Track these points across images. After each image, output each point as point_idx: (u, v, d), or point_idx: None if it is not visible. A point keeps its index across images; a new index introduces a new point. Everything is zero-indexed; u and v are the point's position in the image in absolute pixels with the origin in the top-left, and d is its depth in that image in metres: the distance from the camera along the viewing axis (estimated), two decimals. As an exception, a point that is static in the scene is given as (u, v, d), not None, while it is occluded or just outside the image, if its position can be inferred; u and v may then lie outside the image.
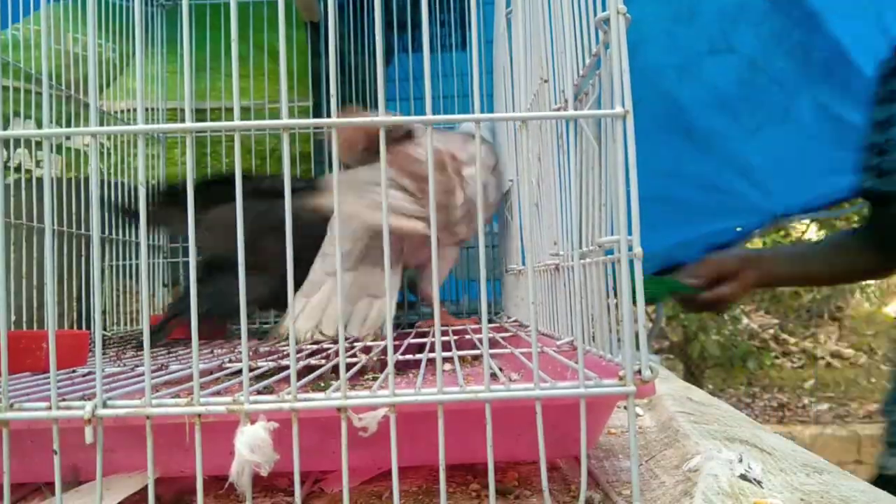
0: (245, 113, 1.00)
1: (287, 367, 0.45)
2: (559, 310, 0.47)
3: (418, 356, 0.48)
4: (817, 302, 4.01)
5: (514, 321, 0.71)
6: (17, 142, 0.80)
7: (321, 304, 0.62)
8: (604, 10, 0.32)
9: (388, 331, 0.33)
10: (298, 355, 0.46)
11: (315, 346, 0.58)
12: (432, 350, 0.49)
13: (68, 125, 0.82)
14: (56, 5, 0.87)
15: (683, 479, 0.36)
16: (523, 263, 0.65)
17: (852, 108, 1.23)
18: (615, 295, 0.33)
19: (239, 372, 0.44)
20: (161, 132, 0.33)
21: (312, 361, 0.49)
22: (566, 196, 0.43)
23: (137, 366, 0.49)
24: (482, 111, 0.32)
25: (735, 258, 1.01)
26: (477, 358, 0.60)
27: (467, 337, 0.60)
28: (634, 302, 0.30)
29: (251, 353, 0.54)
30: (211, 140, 0.99)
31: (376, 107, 0.33)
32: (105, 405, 0.30)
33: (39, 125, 0.78)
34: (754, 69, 1.22)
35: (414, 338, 0.60)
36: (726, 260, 1.01)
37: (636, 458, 0.30)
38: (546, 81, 0.46)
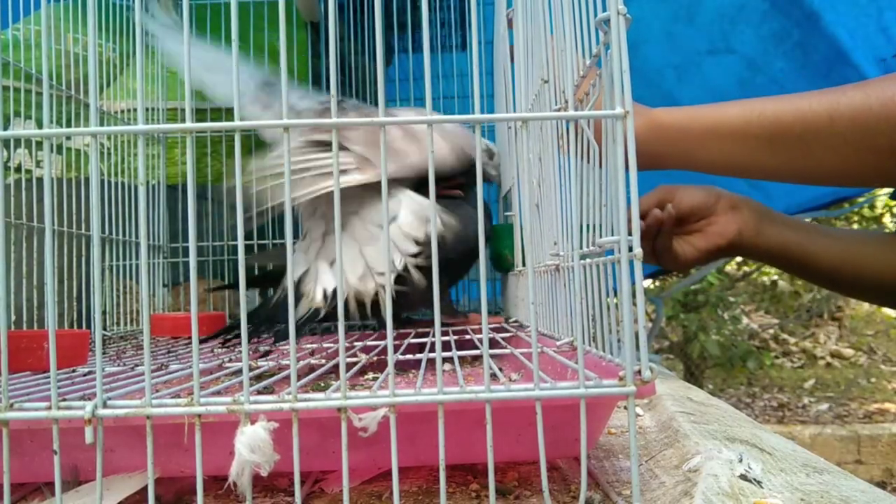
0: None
1: (287, 367, 0.45)
2: (559, 310, 0.47)
3: (418, 356, 0.48)
4: (817, 302, 4.01)
5: (514, 321, 0.71)
6: (17, 142, 0.80)
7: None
8: (604, 10, 0.32)
9: (389, 330, 0.33)
10: (299, 355, 0.46)
11: (315, 346, 0.58)
12: (432, 350, 0.49)
13: (68, 125, 0.82)
14: (56, 5, 0.87)
15: (683, 479, 0.36)
16: (523, 264, 0.65)
17: (852, 109, 1.23)
18: (615, 295, 0.33)
19: (239, 372, 0.44)
20: (161, 132, 0.33)
21: (312, 361, 0.50)
22: (566, 196, 0.43)
23: (137, 365, 0.49)
24: (482, 112, 0.32)
25: (707, 189, 0.71)
26: (477, 358, 0.60)
27: (467, 337, 0.60)
28: (634, 302, 0.30)
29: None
30: (211, 140, 0.99)
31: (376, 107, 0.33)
32: (105, 405, 0.31)
33: (40, 125, 0.78)
34: (754, 69, 1.22)
35: (414, 338, 0.60)
36: (689, 188, 0.70)
37: (636, 458, 0.30)
38: (546, 82, 0.46)
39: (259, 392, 0.35)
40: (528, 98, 0.53)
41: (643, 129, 0.62)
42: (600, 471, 0.40)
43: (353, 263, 0.63)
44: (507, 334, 0.59)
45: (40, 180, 0.80)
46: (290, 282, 0.31)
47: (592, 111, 0.36)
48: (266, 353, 0.55)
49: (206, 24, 1.01)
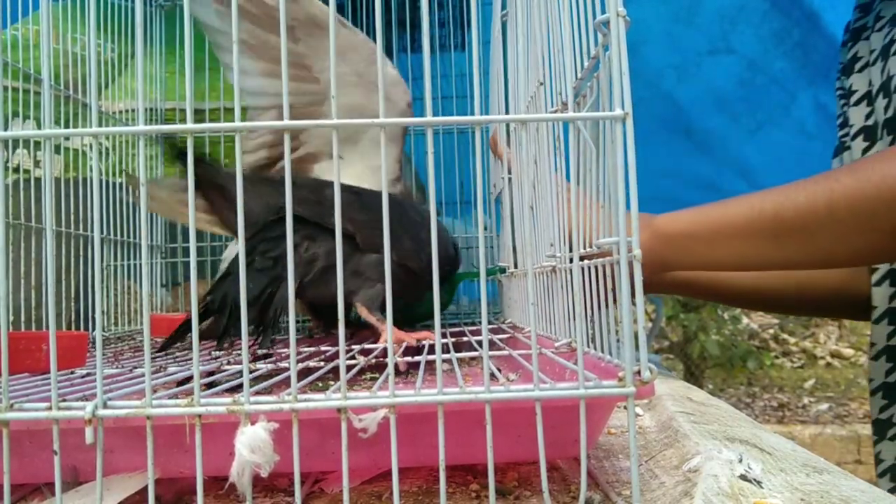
0: (245, 113, 1.00)
1: (283, 370, 0.45)
2: (556, 312, 0.47)
3: (417, 358, 0.48)
4: (817, 302, 4.00)
5: (509, 322, 0.71)
6: (16, 142, 0.80)
7: None
8: (603, 12, 0.32)
9: (389, 331, 0.33)
10: (298, 356, 0.46)
11: (313, 349, 0.58)
12: (430, 352, 0.49)
13: (68, 125, 0.82)
14: (56, 5, 0.87)
15: (683, 479, 0.36)
16: (516, 265, 0.65)
17: (852, 108, 1.23)
18: (614, 296, 0.33)
19: (237, 373, 0.44)
20: (161, 133, 0.33)
21: (311, 364, 0.50)
22: (564, 198, 0.43)
23: (136, 367, 0.49)
24: (482, 112, 0.32)
25: None
26: (475, 359, 0.60)
27: (465, 339, 0.60)
28: (634, 303, 0.30)
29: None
30: (210, 140, 0.99)
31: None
32: (105, 405, 0.30)
33: (39, 125, 0.78)
34: (754, 69, 1.22)
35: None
36: None
37: (636, 458, 0.30)
38: (542, 84, 0.46)
39: (258, 393, 0.35)
40: (525, 99, 0.53)
41: (649, 240, 0.63)
42: (600, 471, 0.40)
43: None
44: (505, 336, 0.59)
45: (40, 180, 0.80)
46: (290, 282, 0.31)
47: (592, 113, 0.36)
48: (266, 356, 0.55)
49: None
